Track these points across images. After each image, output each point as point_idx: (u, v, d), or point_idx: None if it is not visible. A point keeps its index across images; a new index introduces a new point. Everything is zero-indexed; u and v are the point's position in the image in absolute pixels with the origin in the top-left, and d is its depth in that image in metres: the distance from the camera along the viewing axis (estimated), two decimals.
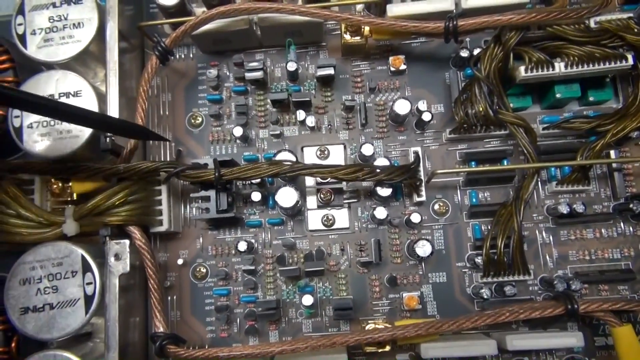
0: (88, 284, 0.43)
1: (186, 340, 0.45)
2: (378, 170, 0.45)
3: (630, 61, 0.45)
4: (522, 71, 0.46)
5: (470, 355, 0.44)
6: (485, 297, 0.46)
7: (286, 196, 0.46)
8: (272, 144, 0.52)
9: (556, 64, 0.46)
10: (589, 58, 0.46)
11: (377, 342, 0.44)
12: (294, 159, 0.47)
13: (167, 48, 0.48)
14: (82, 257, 0.43)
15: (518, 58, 0.47)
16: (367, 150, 0.48)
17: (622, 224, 0.48)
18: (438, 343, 0.44)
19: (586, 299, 0.43)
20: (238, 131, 0.50)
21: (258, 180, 0.48)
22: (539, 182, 0.50)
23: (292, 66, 0.50)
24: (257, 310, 0.47)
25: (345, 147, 0.52)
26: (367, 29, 0.49)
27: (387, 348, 0.45)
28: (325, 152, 0.51)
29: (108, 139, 0.45)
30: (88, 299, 0.42)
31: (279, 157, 0.48)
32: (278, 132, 0.51)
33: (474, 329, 0.42)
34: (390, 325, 0.43)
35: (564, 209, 0.46)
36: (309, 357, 0.44)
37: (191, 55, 0.55)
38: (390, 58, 0.51)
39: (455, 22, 0.45)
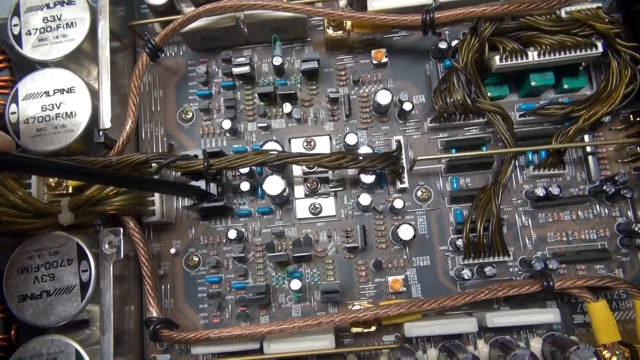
0: (84, 271, 0.44)
1: (179, 325, 0.47)
2: (360, 158, 0.47)
3: (600, 49, 0.47)
4: (497, 60, 0.48)
5: (452, 333, 0.45)
6: (466, 277, 0.48)
7: (273, 184, 0.48)
8: (260, 136, 0.54)
9: (529, 53, 0.48)
10: (561, 46, 0.47)
11: (363, 322, 0.46)
12: (280, 148, 0.49)
13: (157, 45, 0.50)
14: (78, 245, 0.45)
15: (494, 48, 0.49)
16: (351, 139, 0.50)
17: (597, 206, 0.50)
18: (421, 322, 0.45)
19: (561, 277, 0.44)
20: (227, 124, 0.52)
21: (246, 170, 0.50)
22: (518, 168, 0.51)
23: (277, 61, 0.52)
24: (247, 295, 0.49)
25: (330, 138, 0.54)
26: (349, 23, 0.51)
27: (373, 328, 0.46)
28: (312, 143, 0.53)
29: (101, 132, 0.46)
30: (84, 286, 0.44)
31: (265, 147, 0.49)
32: (265, 124, 0.53)
33: (454, 307, 0.44)
34: (369, 305, 0.45)
35: (540, 192, 0.48)
36: (298, 338, 0.45)
37: (181, 53, 0.57)
38: (373, 51, 0.53)
39: (432, 15, 0.47)
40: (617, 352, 0.43)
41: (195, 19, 0.49)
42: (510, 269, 0.50)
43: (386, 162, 0.47)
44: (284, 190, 0.48)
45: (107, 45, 0.49)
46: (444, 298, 0.43)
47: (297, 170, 0.53)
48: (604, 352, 0.43)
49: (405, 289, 0.49)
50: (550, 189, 0.48)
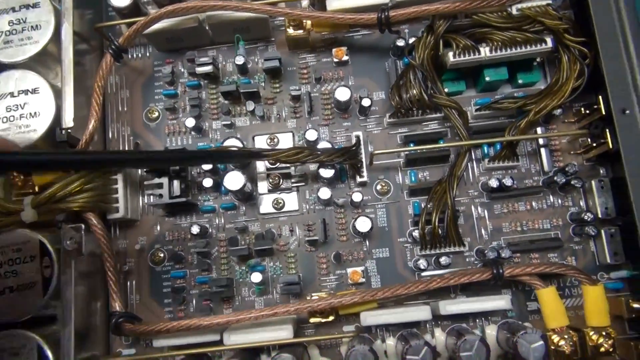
0: (46, 267, 0.45)
1: (142, 319, 0.48)
2: (318, 153, 0.48)
3: (550, 44, 0.49)
4: (450, 57, 0.49)
5: (407, 321, 0.46)
6: (422, 267, 0.49)
7: (233, 180, 0.49)
8: (225, 134, 0.55)
9: (482, 49, 0.49)
10: (512, 42, 0.49)
11: (320, 312, 0.47)
12: (240, 145, 0.50)
13: (121, 46, 0.51)
14: (40, 242, 0.46)
15: (449, 45, 0.50)
16: (311, 135, 0.51)
17: (551, 196, 0.51)
18: (377, 311, 0.47)
19: (511, 265, 0.46)
20: (190, 122, 0.53)
21: (209, 166, 0.51)
22: (474, 161, 0.53)
23: (239, 60, 0.53)
24: (210, 289, 0.50)
25: (293, 135, 0.55)
26: (308, 22, 0.53)
27: (331, 318, 0.48)
28: (275, 140, 0.55)
29: (64, 131, 0.48)
30: (46, 282, 0.45)
31: (226, 143, 0.51)
32: (229, 122, 0.54)
33: (409, 295, 0.45)
34: (326, 296, 0.46)
35: (493, 184, 0.49)
36: (257, 329, 0.46)
37: (147, 54, 0.58)
38: (334, 50, 0.55)
39: (387, 13, 0.49)
40: (566, 337, 0.44)
41: (158, 20, 0.51)
42: (467, 259, 0.51)
43: (344, 157, 0.49)
44: (244, 185, 0.49)
45: (70, 46, 0.50)
46: (397, 287, 0.45)
47: (260, 166, 0.54)
48: (553, 337, 0.44)
49: (364, 280, 0.50)
50: (503, 180, 0.49)
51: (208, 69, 0.53)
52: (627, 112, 0.45)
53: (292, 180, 0.53)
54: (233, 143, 0.50)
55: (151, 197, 0.53)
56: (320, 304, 0.44)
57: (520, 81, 0.53)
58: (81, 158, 0.42)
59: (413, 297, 0.50)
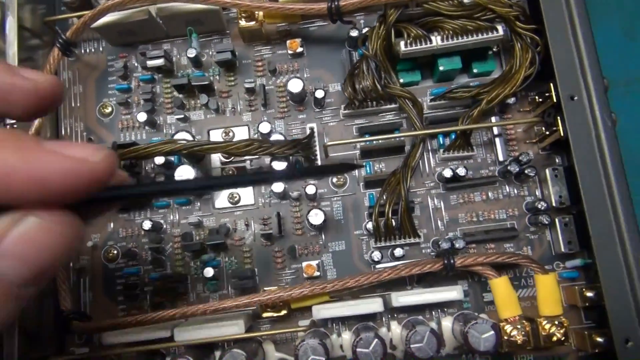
0: None
1: (92, 317, 0.47)
2: (269, 145, 0.47)
3: (501, 32, 0.48)
4: (402, 46, 0.49)
5: (359, 314, 0.46)
6: (376, 259, 0.49)
7: (183, 174, 0.48)
8: (179, 128, 0.54)
9: (433, 38, 0.49)
10: (463, 31, 0.48)
11: (272, 306, 0.47)
12: (190, 138, 0.49)
13: (68, 40, 0.50)
14: None
15: (401, 35, 0.50)
16: (264, 128, 0.51)
17: (506, 186, 0.51)
18: (329, 304, 0.46)
19: (463, 255, 0.45)
20: (142, 117, 0.52)
21: (161, 160, 0.51)
22: (430, 151, 0.52)
23: (191, 53, 0.53)
24: (163, 285, 0.49)
25: (249, 128, 0.54)
26: (260, 14, 0.52)
27: (283, 312, 0.47)
28: (230, 134, 0.54)
29: (8, 126, 0.47)
30: None
31: (176, 136, 0.50)
32: (182, 116, 0.54)
33: (360, 287, 0.45)
34: (277, 289, 0.45)
35: (447, 174, 0.49)
36: (208, 325, 0.46)
37: (101, 49, 0.57)
38: (288, 42, 0.54)
39: (337, 3, 0.48)
40: (519, 327, 0.44)
41: (106, 13, 0.50)
42: (423, 251, 0.51)
43: (295, 149, 0.48)
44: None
45: (15, 41, 0.49)
46: (347, 279, 0.44)
47: (215, 160, 0.53)
48: (506, 327, 0.44)
49: (319, 273, 0.50)
50: (457, 170, 0.49)
51: (159, 62, 0.52)
52: (575, 98, 0.44)
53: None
54: (183, 136, 0.50)
55: None
56: (270, 297, 0.44)
57: (475, 70, 0.52)
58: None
59: (369, 289, 0.50)
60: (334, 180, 0.52)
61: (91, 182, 0.24)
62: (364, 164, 0.52)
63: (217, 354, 0.48)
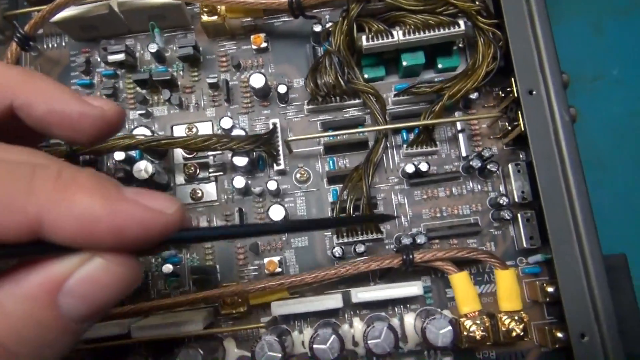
0: None
1: None
2: (227, 139, 0.47)
3: (463, 27, 0.48)
4: (364, 41, 0.48)
5: (317, 310, 0.45)
6: (338, 255, 0.48)
7: (142, 169, 0.47)
8: (143, 124, 0.53)
9: (395, 33, 0.48)
10: (425, 26, 0.48)
11: (230, 302, 0.46)
12: (149, 133, 0.49)
13: (27, 34, 0.49)
14: None
15: (363, 30, 0.50)
16: (225, 123, 0.50)
17: (470, 182, 0.51)
18: (287, 301, 0.46)
19: (423, 250, 0.45)
20: None
21: (121, 156, 0.50)
22: (394, 147, 0.52)
23: (152, 48, 0.52)
24: None
25: (212, 124, 0.54)
26: (223, 8, 0.52)
27: (242, 309, 0.46)
28: (194, 130, 0.53)
29: None
30: None
31: (135, 132, 0.49)
32: (144, 111, 0.53)
33: (319, 283, 0.44)
34: (235, 284, 0.45)
35: (409, 169, 0.49)
36: (165, 322, 0.45)
37: (64, 44, 0.56)
38: (252, 37, 0.54)
39: None
40: (478, 322, 0.43)
41: (65, 7, 0.49)
42: (387, 247, 0.50)
43: (255, 144, 0.48)
44: (153, 174, 0.47)
45: None
46: (305, 275, 0.44)
47: (178, 156, 0.53)
48: (465, 322, 0.44)
49: (281, 269, 0.49)
50: (419, 165, 0.48)
51: (120, 57, 0.52)
52: (534, 92, 0.44)
53: (210, 170, 0.52)
54: (142, 131, 0.49)
55: None
56: (223, 292, 0.43)
57: (440, 66, 0.52)
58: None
59: (332, 286, 0.49)
60: (297, 175, 0.52)
61: (162, 234, 0.25)
62: (398, 215, 0.51)
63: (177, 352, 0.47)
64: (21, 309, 0.23)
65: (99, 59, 0.55)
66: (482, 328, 0.43)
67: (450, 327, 0.42)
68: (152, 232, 0.24)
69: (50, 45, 0.56)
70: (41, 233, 0.23)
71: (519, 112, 0.46)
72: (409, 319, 0.48)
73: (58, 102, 0.28)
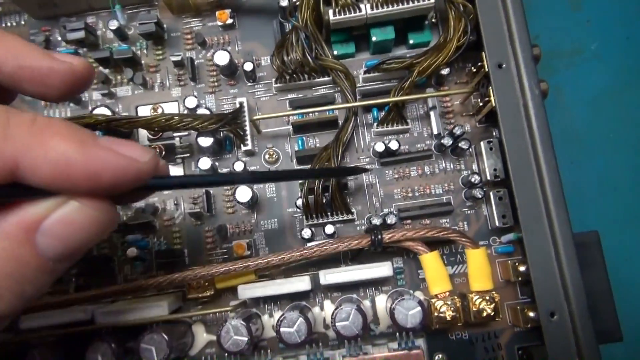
0: None
1: None
2: (190, 119, 0.45)
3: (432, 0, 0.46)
4: (330, 15, 0.47)
5: (285, 292, 0.44)
6: (306, 237, 0.47)
7: None
8: (106, 104, 0.52)
9: (362, 6, 0.47)
10: None
11: (196, 286, 0.45)
12: (109, 113, 0.47)
13: None
14: None
15: (330, 4, 0.48)
16: (190, 103, 0.49)
17: (443, 161, 0.50)
18: (255, 284, 0.45)
19: (392, 230, 0.44)
20: None
21: None
22: (365, 126, 0.51)
23: (113, 25, 0.50)
24: (86, 266, 0.48)
25: (179, 104, 0.52)
26: None
27: (208, 293, 0.45)
28: (159, 110, 0.52)
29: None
30: None
31: (95, 112, 0.48)
32: (106, 91, 0.51)
33: (284, 265, 0.43)
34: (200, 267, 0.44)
35: (379, 148, 0.47)
36: (130, 307, 0.44)
37: (23, 22, 0.54)
38: (217, 13, 0.52)
39: None
40: (449, 302, 0.43)
41: None
42: (358, 228, 0.49)
43: (220, 123, 0.46)
44: None
45: None
46: (271, 256, 0.43)
47: (144, 138, 0.51)
48: (436, 303, 0.43)
49: (250, 252, 0.48)
50: (389, 144, 0.47)
51: (80, 34, 0.50)
52: (503, 66, 0.43)
53: (177, 152, 0.51)
54: (102, 111, 0.47)
55: None
56: (187, 275, 0.42)
57: (411, 41, 0.51)
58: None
59: (302, 268, 0.48)
60: (266, 156, 0.50)
61: (136, 180, 0.27)
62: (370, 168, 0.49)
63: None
64: (1, 246, 0.25)
65: (59, 38, 0.53)
66: (452, 308, 0.43)
67: (419, 308, 0.41)
68: (126, 178, 0.26)
69: (8, 24, 0.54)
70: (18, 176, 0.24)
71: (490, 87, 0.45)
72: (381, 301, 0.47)
73: (27, 58, 0.29)
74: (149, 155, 0.27)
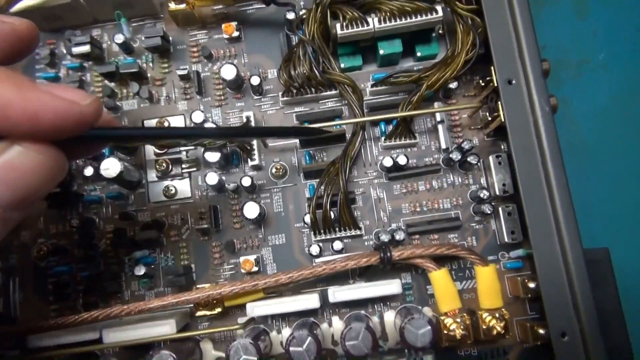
0: None
1: (16, 319, 0.45)
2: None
3: (440, 13, 0.46)
4: (338, 29, 0.46)
5: (294, 310, 0.44)
6: (314, 253, 0.47)
7: (109, 166, 0.46)
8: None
9: (370, 20, 0.46)
10: (401, 12, 0.46)
11: (204, 304, 0.45)
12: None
13: None
14: None
15: (337, 17, 0.47)
16: (197, 117, 0.48)
17: (451, 175, 0.49)
18: (263, 301, 0.44)
19: (401, 247, 0.43)
20: None
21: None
22: (372, 140, 0.50)
23: (119, 38, 0.50)
24: (94, 283, 0.47)
25: (185, 118, 0.52)
26: None
27: (217, 311, 0.45)
28: (165, 124, 0.51)
29: None
30: None
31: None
32: (113, 105, 0.51)
33: (293, 283, 0.43)
34: (208, 286, 0.43)
35: (387, 162, 0.47)
36: (138, 325, 0.44)
37: None
38: (223, 25, 0.51)
39: None
40: (458, 320, 0.42)
41: None
42: (365, 243, 0.49)
43: (227, 139, 0.46)
44: (121, 173, 0.45)
45: None
46: (280, 275, 0.42)
47: (150, 153, 0.51)
48: (445, 320, 0.43)
49: (257, 268, 0.48)
50: (397, 158, 0.47)
51: (85, 48, 0.49)
52: (513, 82, 0.42)
53: (183, 166, 0.50)
54: None
55: None
56: (198, 297, 0.42)
57: (419, 54, 0.50)
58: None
59: (310, 284, 0.48)
60: (273, 170, 0.50)
61: (78, 123, 0.27)
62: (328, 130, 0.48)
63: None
64: None
65: (64, 51, 0.53)
66: (462, 327, 0.42)
67: (429, 327, 0.41)
68: (68, 120, 0.26)
69: None
70: None
71: (499, 102, 0.44)
72: (389, 317, 0.47)
73: None
74: (90, 99, 0.28)
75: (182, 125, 0.51)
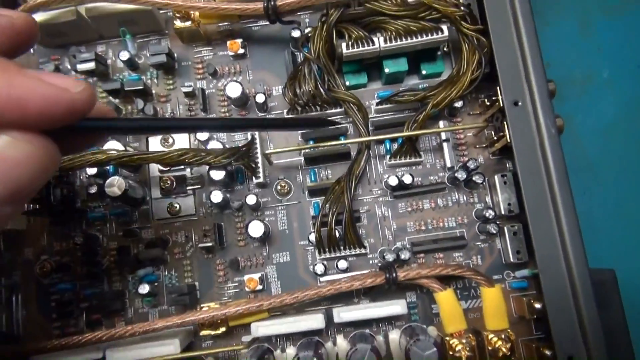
0: None
1: (19, 338, 0.45)
2: (204, 154, 0.45)
3: (446, 32, 0.46)
4: (343, 48, 0.46)
5: (299, 331, 0.44)
6: (319, 272, 0.47)
7: (113, 185, 0.45)
8: (115, 137, 0.51)
9: (375, 39, 0.46)
10: (407, 32, 0.46)
11: (209, 324, 0.44)
12: (120, 147, 0.47)
13: None
14: None
15: (343, 36, 0.48)
16: (202, 135, 0.48)
17: (456, 193, 0.49)
18: (268, 321, 0.44)
19: (407, 268, 0.43)
20: None
21: (93, 171, 0.48)
22: (377, 158, 0.50)
23: (124, 55, 0.50)
24: (97, 301, 0.47)
25: (189, 135, 0.52)
26: (196, 13, 0.49)
27: (221, 330, 0.45)
28: (170, 141, 0.51)
29: None
30: None
31: (106, 146, 0.47)
32: None
33: (297, 304, 0.43)
34: (215, 306, 0.43)
35: (392, 181, 0.47)
36: (143, 345, 0.43)
37: (32, 51, 0.54)
38: (228, 42, 0.51)
39: (273, 3, 0.45)
40: (464, 341, 0.42)
41: (31, 13, 0.47)
42: (370, 261, 0.49)
43: (233, 157, 0.46)
44: (126, 191, 0.45)
45: None
46: (284, 295, 0.42)
47: (154, 170, 0.51)
48: (451, 341, 0.42)
49: (261, 287, 0.48)
50: (402, 177, 0.47)
51: (90, 65, 0.49)
52: (519, 104, 0.42)
53: (187, 184, 0.50)
54: (113, 145, 0.47)
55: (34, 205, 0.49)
56: (203, 317, 0.41)
57: (424, 72, 0.50)
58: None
59: (314, 303, 0.48)
60: (278, 188, 0.50)
61: (69, 111, 0.26)
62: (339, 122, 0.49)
63: None
64: None
65: (69, 66, 0.53)
66: (468, 348, 0.42)
67: (435, 349, 0.41)
68: (58, 108, 0.25)
69: None
70: None
71: (505, 123, 0.44)
72: (394, 336, 0.47)
73: None
74: (82, 86, 0.26)
75: (187, 142, 0.51)
